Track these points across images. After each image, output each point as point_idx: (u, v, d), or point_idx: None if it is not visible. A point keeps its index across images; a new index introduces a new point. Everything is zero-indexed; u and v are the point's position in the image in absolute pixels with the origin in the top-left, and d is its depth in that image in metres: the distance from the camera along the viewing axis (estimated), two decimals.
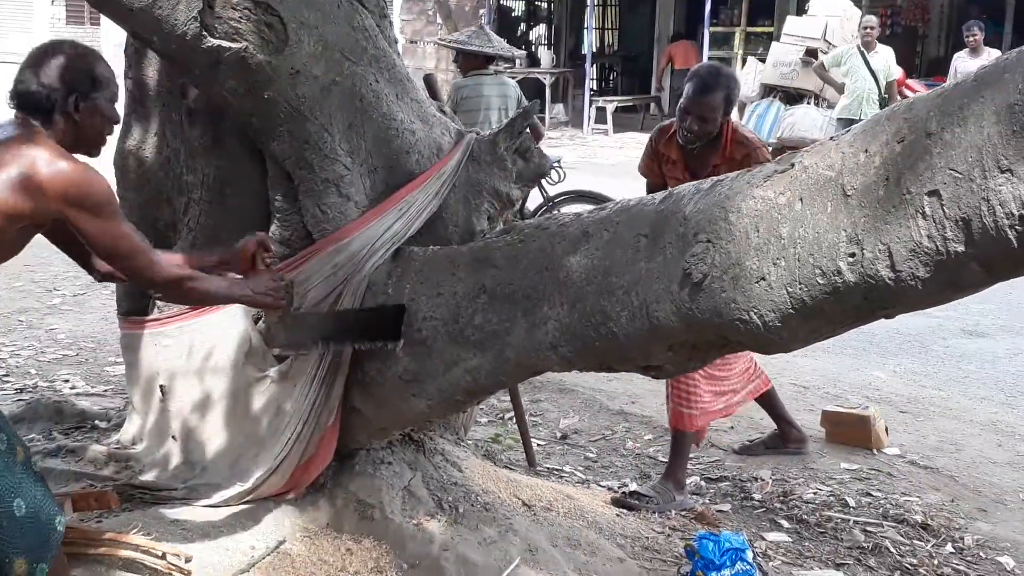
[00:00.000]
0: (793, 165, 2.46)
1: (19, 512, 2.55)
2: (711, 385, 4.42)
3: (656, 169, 4.59)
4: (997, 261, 2.13)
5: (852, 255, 2.28)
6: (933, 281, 2.19)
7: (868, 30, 11.21)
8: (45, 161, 2.56)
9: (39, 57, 2.72)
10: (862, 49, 11.10)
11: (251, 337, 3.41)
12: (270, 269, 3.12)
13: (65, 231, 2.75)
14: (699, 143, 4.34)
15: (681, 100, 4.36)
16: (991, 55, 10.46)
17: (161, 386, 3.57)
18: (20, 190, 2.54)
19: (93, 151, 2.78)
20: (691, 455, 4.61)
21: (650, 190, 4.59)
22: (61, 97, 2.67)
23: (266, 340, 3.24)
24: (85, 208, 2.60)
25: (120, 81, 2.95)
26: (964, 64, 10.88)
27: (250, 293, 3.01)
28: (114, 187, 3.75)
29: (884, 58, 11.04)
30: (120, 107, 2.92)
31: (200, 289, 2.88)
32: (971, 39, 11.31)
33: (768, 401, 4.93)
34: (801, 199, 2.39)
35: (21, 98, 2.69)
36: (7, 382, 5.55)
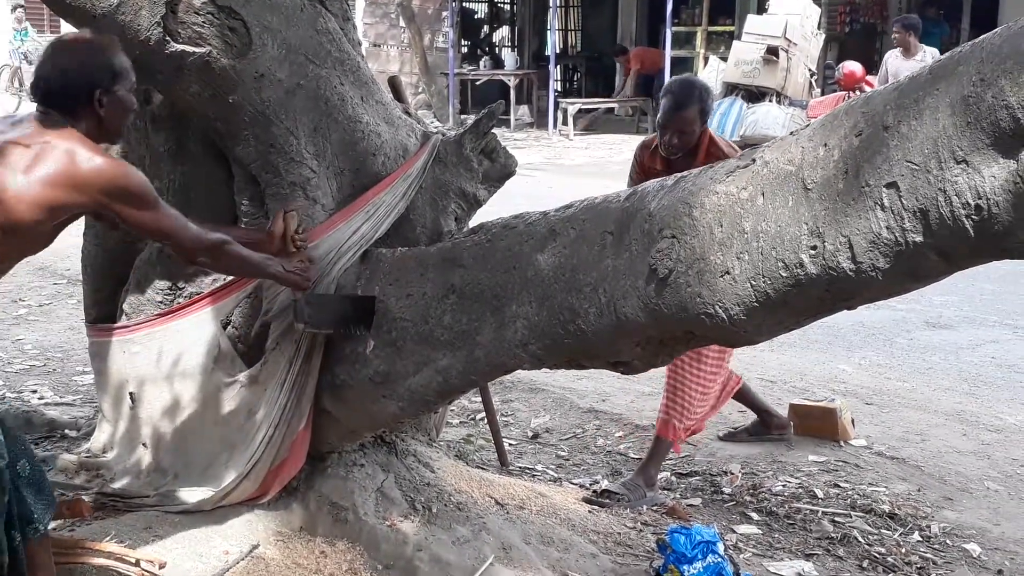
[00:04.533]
0: (754, 160, 2.50)
1: (24, 472, 2.72)
2: (703, 400, 4.48)
3: (642, 180, 4.63)
4: (955, 250, 2.18)
5: (814, 248, 2.31)
6: (893, 271, 2.23)
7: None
8: (84, 157, 2.62)
9: (59, 51, 2.78)
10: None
11: (220, 342, 3.41)
12: (301, 249, 3.17)
13: (72, 221, 2.79)
14: (680, 154, 4.44)
15: (659, 116, 4.48)
16: (927, 54, 9.84)
17: (131, 393, 3.56)
18: (62, 185, 2.60)
19: (116, 139, 2.86)
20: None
21: None
22: (85, 92, 2.70)
23: (294, 314, 3.25)
24: (128, 201, 2.70)
25: None
26: (896, 63, 10.18)
27: (281, 270, 3.09)
28: None
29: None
30: None
31: (237, 254, 2.96)
32: (895, 37, 10.49)
33: (743, 396, 5.00)
34: (763, 193, 2.42)
35: (44, 93, 2.74)
36: None
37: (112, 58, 2.77)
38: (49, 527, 2.82)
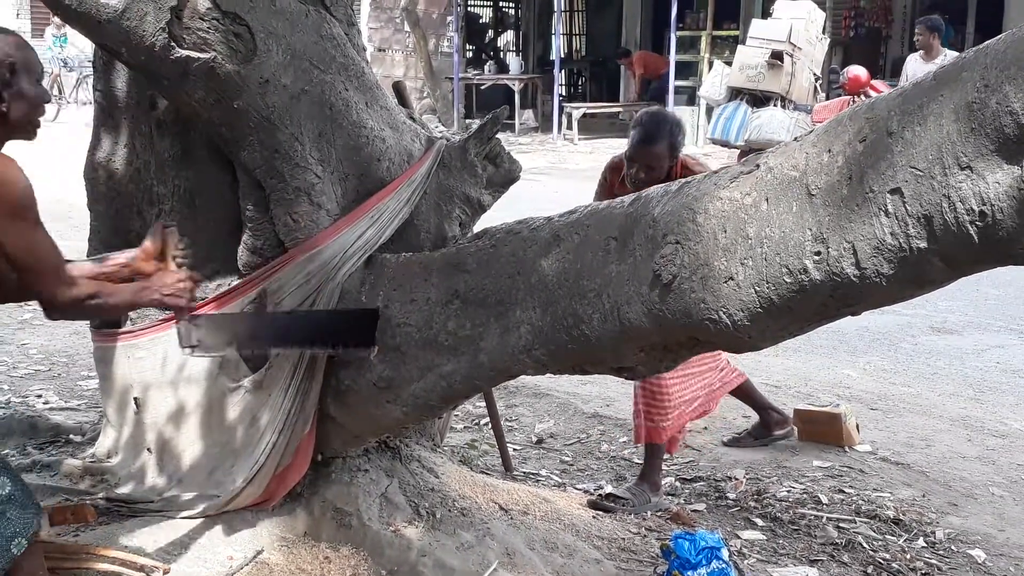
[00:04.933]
0: (759, 166, 2.50)
1: None
2: (682, 390, 4.46)
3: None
4: (959, 256, 2.17)
5: (818, 253, 2.31)
6: (897, 277, 2.23)
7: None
8: None
9: None
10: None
11: None
12: (180, 267, 2.99)
13: None
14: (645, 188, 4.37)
15: (627, 149, 4.42)
16: (948, 56, 9.70)
17: (135, 399, 3.56)
18: None
19: (31, 135, 2.70)
20: (666, 456, 4.64)
21: None
22: None
23: (179, 339, 3.08)
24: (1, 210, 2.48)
25: (89, 93, 2.94)
26: (916, 66, 10.25)
27: (158, 296, 2.87)
28: (84, 199, 3.77)
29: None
30: (89, 119, 2.90)
31: (104, 306, 2.76)
32: (918, 39, 10.28)
33: (745, 393, 4.99)
34: (767, 199, 2.42)
35: None
36: None
37: (7, 52, 2.60)
38: (35, 535, 2.70)
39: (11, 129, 2.64)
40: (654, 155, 4.33)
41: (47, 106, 2.74)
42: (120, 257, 3.00)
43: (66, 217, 9.07)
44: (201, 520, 3.39)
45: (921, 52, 10.21)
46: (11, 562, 2.58)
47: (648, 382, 4.35)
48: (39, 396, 5.57)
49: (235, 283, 3.38)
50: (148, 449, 3.56)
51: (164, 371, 3.50)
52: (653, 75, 19.96)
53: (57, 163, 9.32)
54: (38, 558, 2.75)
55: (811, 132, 2.47)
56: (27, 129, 2.68)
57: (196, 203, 3.49)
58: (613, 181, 4.60)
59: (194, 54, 3.07)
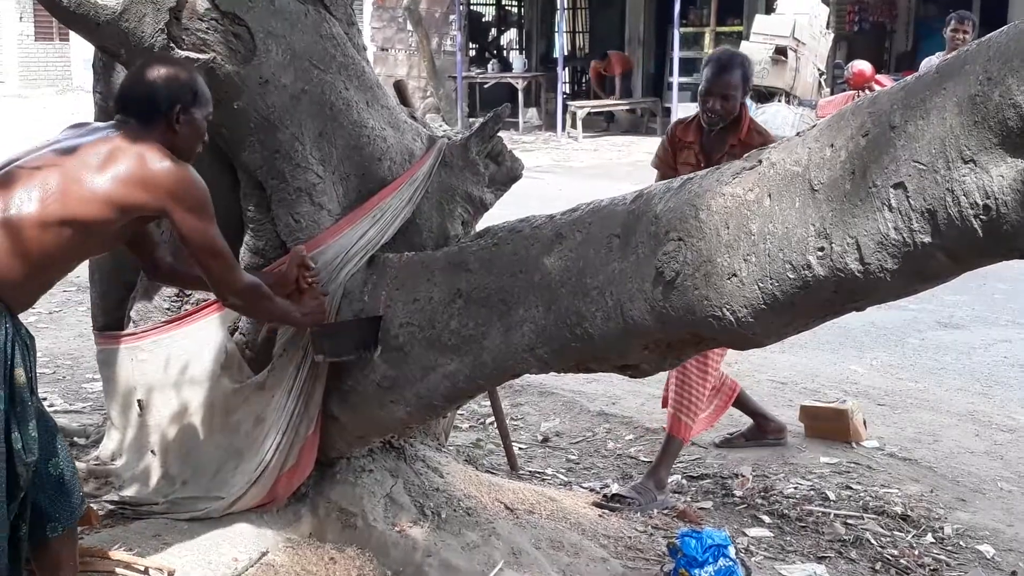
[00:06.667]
0: (761, 162, 2.48)
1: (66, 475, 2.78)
2: (705, 396, 4.48)
3: (670, 161, 4.68)
4: (963, 251, 2.16)
5: (821, 249, 2.30)
6: (901, 272, 2.22)
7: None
8: (155, 158, 2.70)
9: (148, 66, 2.84)
10: None
11: (227, 348, 3.41)
12: (312, 288, 3.19)
13: (137, 226, 2.85)
14: (721, 123, 4.47)
15: (702, 84, 4.51)
16: None
17: (139, 400, 3.56)
18: (132, 184, 2.67)
19: (187, 160, 2.84)
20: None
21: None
22: (166, 104, 2.78)
23: (314, 349, 3.26)
24: (188, 206, 2.74)
25: (89, 96, 2.99)
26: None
27: (299, 317, 3.16)
28: None
29: None
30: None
31: (269, 304, 3.03)
32: (960, 35, 8.01)
33: (739, 401, 4.98)
34: (770, 195, 2.41)
35: (125, 101, 2.83)
36: None
37: (196, 81, 2.85)
38: (69, 529, 2.82)
39: (173, 149, 2.78)
40: (730, 84, 4.42)
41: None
42: (263, 279, 3.12)
43: None
44: (206, 522, 3.38)
45: (946, 51, 8.92)
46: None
47: (684, 379, 4.42)
48: (44, 399, 5.55)
49: None
50: (152, 451, 3.56)
51: (167, 372, 3.49)
52: (625, 73, 20.39)
53: None
54: (73, 551, 2.86)
55: (813, 127, 2.46)
56: (188, 155, 2.85)
57: None
58: (675, 132, 4.68)
59: (193, 55, 3.06)
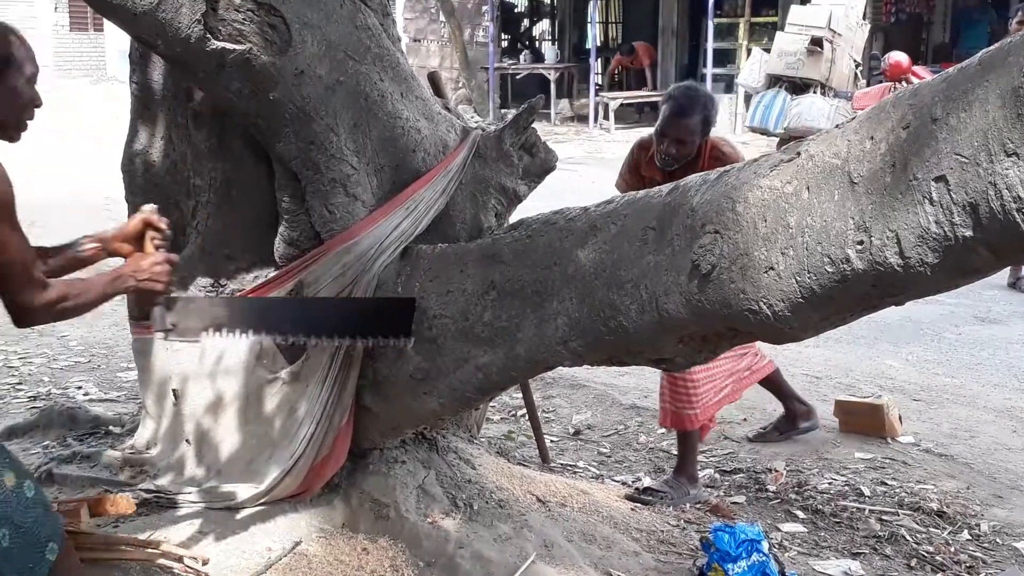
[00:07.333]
0: (799, 154, 2.45)
1: (4, 543, 2.41)
2: (710, 380, 4.40)
3: (635, 184, 4.46)
4: (1005, 245, 2.12)
5: (860, 242, 2.27)
6: (942, 266, 2.18)
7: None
8: None
9: None
10: None
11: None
12: (157, 252, 2.79)
13: None
14: (676, 166, 4.24)
15: (658, 123, 4.28)
16: None
17: (174, 390, 3.58)
18: None
19: (14, 136, 2.55)
20: (704, 448, 4.61)
21: None
22: None
23: (153, 322, 2.90)
24: None
25: (126, 86, 2.90)
26: None
27: (132, 282, 2.72)
28: (122, 191, 3.79)
29: None
30: (126, 112, 2.89)
31: (76, 307, 2.59)
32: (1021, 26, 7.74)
33: (772, 382, 4.90)
34: (808, 188, 2.38)
35: None
36: (20, 390, 5.57)
37: (4, 45, 2.47)
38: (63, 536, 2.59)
39: None
40: (687, 129, 4.19)
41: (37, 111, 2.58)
42: (93, 239, 2.82)
43: (103, 209, 9.17)
44: (239, 511, 3.40)
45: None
46: (50, 569, 2.50)
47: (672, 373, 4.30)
48: (79, 388, 5.62)
49: (271, 275, 3.38)
50: (187, 440, 3.58)
51: (202, 363, 3.51)
52: (652, 63, 20.40)
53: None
54: (73, 557, 2.68)
55: (853, 119, 2.42)
56: (15, 128, 2.54)
57: (233, 195, 3.49)
58: (640, 160, 4.48)
59: (229, 46, 3.06)
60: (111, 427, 4.26)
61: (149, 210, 2.85)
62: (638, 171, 4.47)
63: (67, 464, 3.75)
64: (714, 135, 4.40)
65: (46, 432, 4.21)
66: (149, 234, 2.82)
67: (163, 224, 2.83)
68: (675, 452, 4.83)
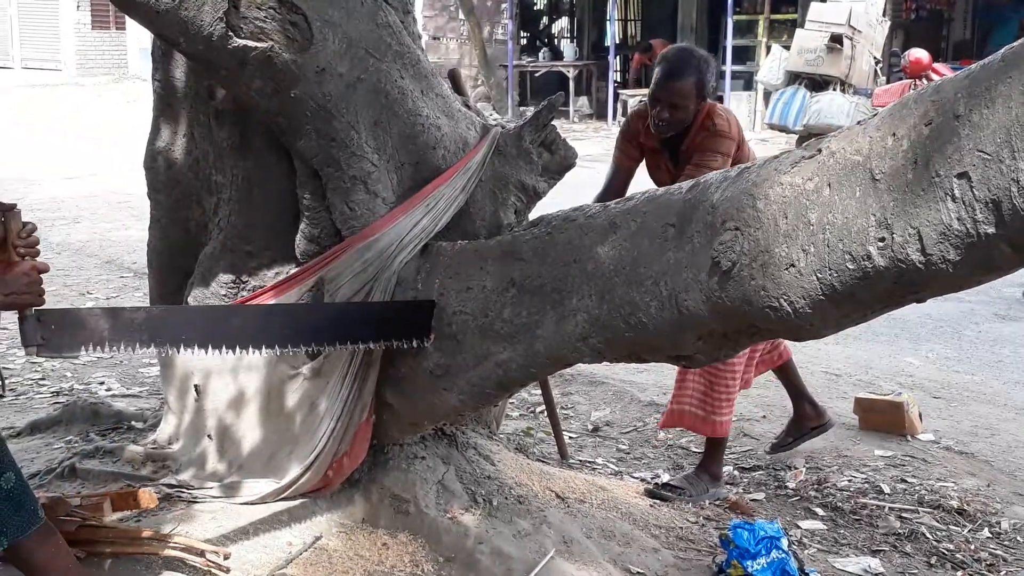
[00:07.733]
0: (820, 151, 2.45)
1: None
2: (736, 383, 4.36)
3: (634, 153, 4.34)
4: None
5: (882, 240, 2.27)
6: (964, 264, 2.18)
7: None
8: None
9: None
10: None
11: None
12: (24, 260, 2.46)
13: None
14: (671, 132, 4.06)
15: (650, 87, 4.08)
16: None
17: (196, 386, 3.60)
18: None
19: None
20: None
21: (612, 176, 4.43)
22: None
23: (22, 337, 2.62)
24: None
25: (147, 84, 2.89)
26: None
27: (1, 298, 2.42)
28: (144, 189, 3.82)
29: None
30: (148, 109, 2.90)
31: None
32: None
33: (786, 376, 4.76)
34: (829, 184, 2.38)
35: None
36: (43, 385, 5.61)
37: None
38: (25, 536, 2.52)
39: None
40: (679, 92, 3.97)
41: None
42: None
43: (127, 206, 9.22)
44: (260, 506, 3.42)
45: None
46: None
47: (709, 372, 4.26)
48: (101, 383, 5.66)
49: (293, 271, 3.40)
50: (208, 435, 3.60)
51: (224, 359, 3.52)
52: None
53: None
54: (51, 545, 2.61)
55: (874, 116, 2.42)
56: None
57: (254, 192, 3.51)
58: (638, 128, 4.30)
59: (251, 43, 3.08)
60: (133, 422, 4.29)
61: (10, 210, 2.45)
62: (636, 139, 4.31)
63: (90, 459, 3.78)
64: (719, 107, 4.20)
65: (69, 427, 4.24)
66: (12, 240, 2.45)
67: (30, 226, 2.48)
68: (695, 449, 4.84)
